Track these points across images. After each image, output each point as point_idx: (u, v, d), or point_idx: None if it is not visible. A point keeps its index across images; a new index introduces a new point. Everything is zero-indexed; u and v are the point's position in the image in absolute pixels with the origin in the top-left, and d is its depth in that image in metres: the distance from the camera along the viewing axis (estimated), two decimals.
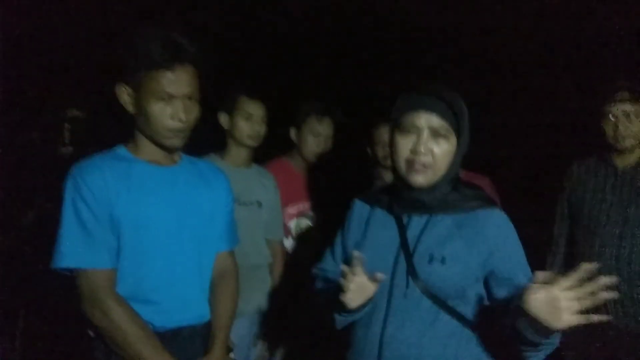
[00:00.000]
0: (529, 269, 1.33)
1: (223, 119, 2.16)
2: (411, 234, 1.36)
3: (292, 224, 2.41)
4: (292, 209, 2.40)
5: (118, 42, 1.49)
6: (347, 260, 1.43)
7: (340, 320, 1.36)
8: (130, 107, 1.46)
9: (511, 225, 1.34)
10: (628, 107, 2.02)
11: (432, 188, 1.34)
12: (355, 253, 1.26)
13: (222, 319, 1.57)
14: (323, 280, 1.55)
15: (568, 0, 2.28)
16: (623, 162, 2.10)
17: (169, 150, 1.52)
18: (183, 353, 1.46)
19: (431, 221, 1.35)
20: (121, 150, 1.52)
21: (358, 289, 1.26)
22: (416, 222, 1.37)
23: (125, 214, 1.41)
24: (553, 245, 2.32)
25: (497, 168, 2.01)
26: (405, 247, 1.35)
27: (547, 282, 1.05)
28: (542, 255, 2.31)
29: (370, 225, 1.46)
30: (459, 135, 1.31)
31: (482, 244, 1.30)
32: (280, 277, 2.32)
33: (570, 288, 1.03)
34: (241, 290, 1.68)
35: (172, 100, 1.42)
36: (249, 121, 2.12)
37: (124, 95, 1.46)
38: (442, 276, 1.28)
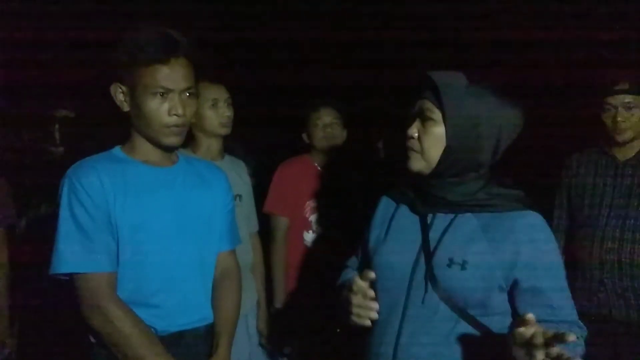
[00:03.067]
0: (563, 285, 1.21)
1: None
2: (433, 234, 1.26)
3: (313, 218, 2.39)
4: (313, 202, 2.40)
5: (109, 41, 1.45)
6: (365, 259, 1.43)
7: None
8: (125, 107, 1.43)
9: (547, 231, 1.23)
10: (628, 98, 2.01)
11: (457, 184, 1.25)
12: (370, 274, 1.17)
13: (226, 320, 1.54)
14: (343, 275, 1.51)
15: None
16: (623, 154, 2.09)
17: (167, 149, 1.48)
18: (186, 357, 1.43)
19: (456, 221, 1.25)
20: (117, 151, 1.48)
21: (361, 307, 1.18)
22: (440, 222, 1.27)
23: (123, 216, 1.38)
24: None
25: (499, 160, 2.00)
26: (426, 248, 1.25)
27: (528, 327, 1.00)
28: None
29: (393, 223, 1.38)
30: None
31: (508, 248, 1.18)
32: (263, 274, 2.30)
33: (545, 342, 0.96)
34: None
35: (168, 94, 1.38)
36: (215, 108, 2.03)
37: (119, 94, 1.42)
38: (462, 282, 1.18)
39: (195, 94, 1.47)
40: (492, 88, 1.24)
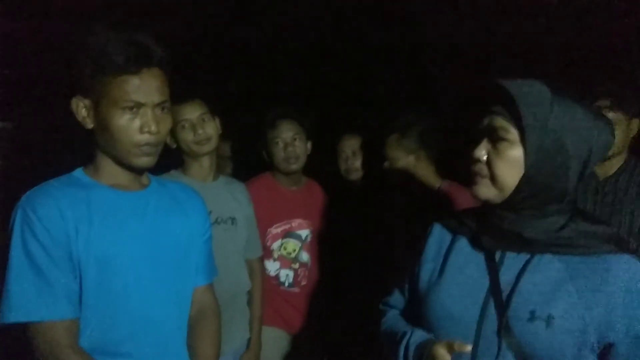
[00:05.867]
0: None
1: (167, 139, 1.88)
2: (505, 276, 1.04)
3: (275, 246, 2.19)
4: (276, 229, 2.19)
5: (58, 46, 1.26)
6: (417, 297, 1.21)
7: None
8: (89, 123, 1.24)
9: None
10: (609, 114, 1.99)
11: (536, 217, 1.03)
12: (465, 348, 0.98)
13: None
14: (388, 319, 1.29)
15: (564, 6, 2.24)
16: (604, 171, 2.06)
17: (137, 171, 1.30)
18: None
19: (533, 262, 1.03)
20: (79, 174, 1.28)
21: None
22: (512, 262, 1.05)
23: (86, 251, 1.18)
24: None
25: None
26: (496, 294, 1.03)
27: None
28: None
29: (450, 259, 1.15)
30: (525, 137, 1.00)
31: (602, 302, 0.96)
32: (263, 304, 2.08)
33: None
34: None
35: (140, 109, 1.21)
36: (187, 129, 1.88)
37: (81, 109, 1.23)
38: (547, 342, 0.96)
39: (170, 109, 1.30)
40: (580, 99, 1.02)
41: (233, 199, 2.00)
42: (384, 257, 2.13)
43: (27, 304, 1.12)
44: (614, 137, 1.04)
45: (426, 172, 2.05)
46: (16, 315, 1.11)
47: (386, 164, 2.10)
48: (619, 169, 2.04)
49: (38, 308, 1.12)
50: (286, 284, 2.21)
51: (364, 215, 2.29)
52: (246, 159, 2.55)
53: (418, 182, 2.05)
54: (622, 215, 1.98)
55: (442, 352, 0.99)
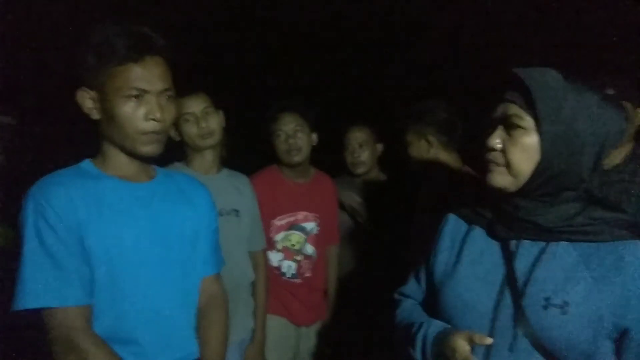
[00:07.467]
0: None
1: (171, 132, 1.89)
2: (521, 265, 1.05)
3: (279, 237, 2.21)
4: (280, 221, 2.20)
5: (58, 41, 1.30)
6: (432, 287, 1.22)
7: None
8: (95, 114, 1.26)
9: None
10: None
11: (551, 205, 1.04)
12: (486, 341, 0.98)
13: (213, 354, 1.39)
14: (404, 310, 1.29)
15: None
16: (610, 160, 2.06)
17: (144, 160, 1.33)
18: None
19: (549, 251, 1.03)
20: (86, 165, 1.31)
21: None
22: (528, 250, 1.05)
23: (97, 240, 1.21)
24: None
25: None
26: (512, 283, 1.03)
27: None
28: None
29: (465, 249, 1.15)
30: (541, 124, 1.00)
31: (617, 289, 0.96)
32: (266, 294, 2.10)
33: None
34: None
35: (144, 97, 1.24)
36: (190, 122, 1.89)
37: (87, 100, 1.25)
38: (562, 329, 0.96)
39: (174, 97, 1.32)
40: (592, 85, 1.03)
41: (236, 191, 2.02)
42: (396, 249, 2.14)
43: (42, 290, 1.14)
44: (628, 124, 1.04)
45: (444, 158, 2.03)
46: (31, 301, 1.14)
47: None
48: (625, 158, 2.04)
49: (53, 294, 1.15)
50: (288, 275, 2.23)
51: (382, 207, 2.31)
52: (256, 153, 2.57)
53: (437, 169, 2.04)
54: (629, 204, 1.98)
55: (462, 343, 1.00)
